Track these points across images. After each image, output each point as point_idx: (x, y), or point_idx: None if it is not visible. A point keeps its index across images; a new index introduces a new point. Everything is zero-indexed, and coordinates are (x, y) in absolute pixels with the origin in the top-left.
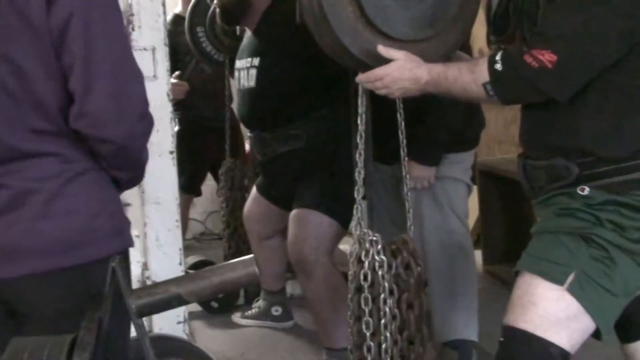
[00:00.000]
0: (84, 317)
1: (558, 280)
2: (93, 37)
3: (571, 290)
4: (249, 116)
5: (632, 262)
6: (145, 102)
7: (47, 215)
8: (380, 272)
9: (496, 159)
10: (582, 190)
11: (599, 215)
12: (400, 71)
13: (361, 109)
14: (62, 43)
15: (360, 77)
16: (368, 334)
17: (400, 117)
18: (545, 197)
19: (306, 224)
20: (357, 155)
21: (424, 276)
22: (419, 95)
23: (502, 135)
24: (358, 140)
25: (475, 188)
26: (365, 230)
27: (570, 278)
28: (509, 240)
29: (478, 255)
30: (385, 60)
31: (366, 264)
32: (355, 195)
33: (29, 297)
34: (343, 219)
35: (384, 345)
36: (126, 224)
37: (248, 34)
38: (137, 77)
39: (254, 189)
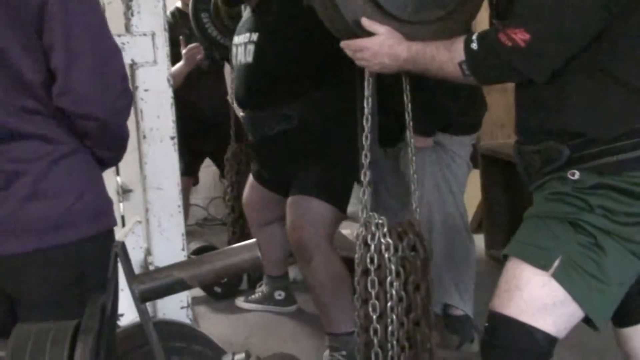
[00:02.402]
0: (72, 297)
1: (543, 265)
2: (71, 14)
3: (556, 276)
4: (244, 92)
5: (623, 249)
6: (125, 78)
7: (34, 196)
8: (386, 255)
9: (499, 143)
10: (573, 174)
11: (588, 200)
12: (380, 47)
13: (367, 92)
14: (41, 22)
15: (343, 44)
16: (375, 316)
17: (406, 99)
18: (539, 182)
19: (304, 211)
20: (364, 139)
21: (431, 257)
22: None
23: (504, 119)
24: (364, 123)
25: (478, 172)
26: (371, 213)
27: (556, 264)
28: (511, 224)
29: (481, 239)
30: None
31: (372, 247)
32: (362, 179)
33: (17, 277)
34: (341, 204)
35: (390, 328)
36: (110, 203)
37: (247, 9)
38: (116, 53)
39: (250, 177)
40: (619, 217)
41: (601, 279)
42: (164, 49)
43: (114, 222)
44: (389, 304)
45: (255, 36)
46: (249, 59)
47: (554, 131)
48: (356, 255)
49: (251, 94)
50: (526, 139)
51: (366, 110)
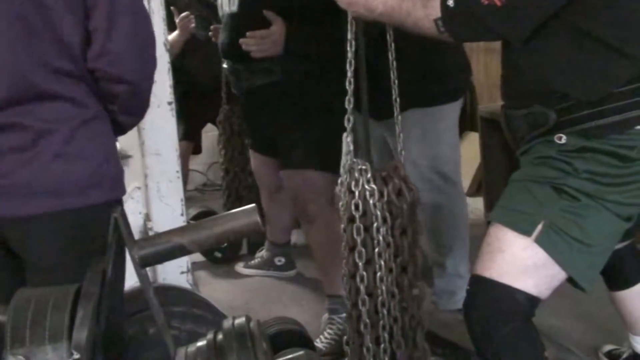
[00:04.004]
0: (87, 261)
1: (525, 230)
2: None
3: (539, 242)
4: (228, 42)
5: (607, 212)
6: (155, 42)
7: (60, 156)
8: (371, 201)
9: (498, 106)
10: (560, 138)
11: (574, 163)
12: None
13: (350, 34)
14: None
15: None
16: (361, 263)
17: (391, 57)
18: (526, 147)
19: (300, 183)
20: (347, 84)
21: (418, 199)
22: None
23: None
24: (347, 68)
25: (476, 135)
26: (354, 159)
27: (539, 228)
28: None
29: (480, 202)
30: None
31: (357, 193)
32: (345, 124)
33: (37, 238)
34: (333, 166)
35: (379, 274)
36: (122, 172)
37: None
38: (148, 17)
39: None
40: (605, 179)
41: (585, 242)
42: (159, 13)
43: (125, 191)
44: (376, 250)
45: None
46: (234, 8)
47: (540, 95)
48: (341, 203)
49: (235, 45)
50: (512, 103)
51: (349, 54)
